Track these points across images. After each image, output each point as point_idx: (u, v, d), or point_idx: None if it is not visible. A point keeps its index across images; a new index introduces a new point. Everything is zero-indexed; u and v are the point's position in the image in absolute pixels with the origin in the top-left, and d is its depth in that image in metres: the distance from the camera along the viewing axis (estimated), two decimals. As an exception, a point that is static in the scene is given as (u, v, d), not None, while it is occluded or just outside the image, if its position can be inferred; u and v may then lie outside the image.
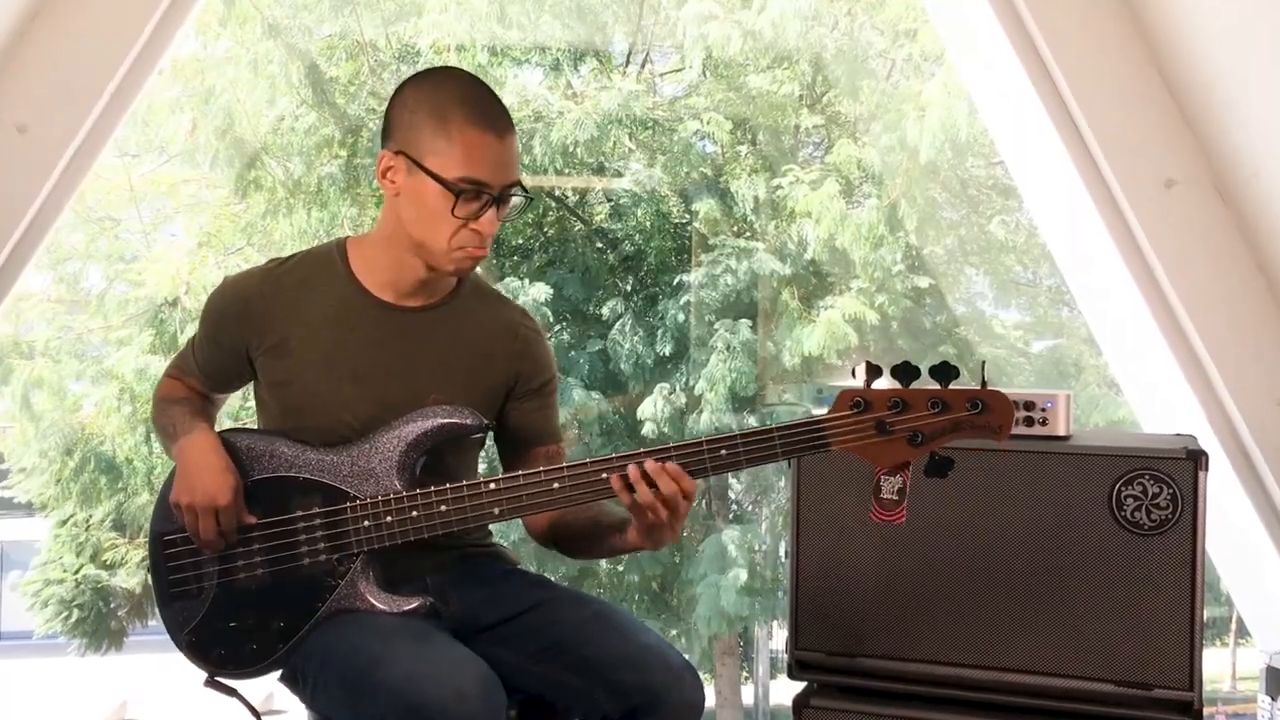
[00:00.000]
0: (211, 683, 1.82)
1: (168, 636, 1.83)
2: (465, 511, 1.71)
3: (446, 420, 1.76)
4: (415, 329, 1.81)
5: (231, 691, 1.83)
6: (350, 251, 1.84)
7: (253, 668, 1.78)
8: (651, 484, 1.64)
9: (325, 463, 1.76)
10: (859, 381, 1.63)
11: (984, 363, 1.67)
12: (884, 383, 1.63)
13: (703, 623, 7.50)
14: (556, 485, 1.69)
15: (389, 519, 1.73)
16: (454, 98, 1.71)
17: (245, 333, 1.81)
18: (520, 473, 1.71)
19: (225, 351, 1.85)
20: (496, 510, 1.71)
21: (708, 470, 1.66)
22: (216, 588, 1.78)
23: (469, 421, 1.77)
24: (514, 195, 1.75)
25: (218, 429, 1.86)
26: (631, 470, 1.64)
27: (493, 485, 1.71)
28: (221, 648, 1.78)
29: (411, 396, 1.78)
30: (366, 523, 1.73)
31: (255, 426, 1.90)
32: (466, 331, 1.85)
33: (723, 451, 1.65)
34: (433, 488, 1.72)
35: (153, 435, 7.56)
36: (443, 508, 1.72)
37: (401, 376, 1.79)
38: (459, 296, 1.86)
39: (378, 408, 1.77)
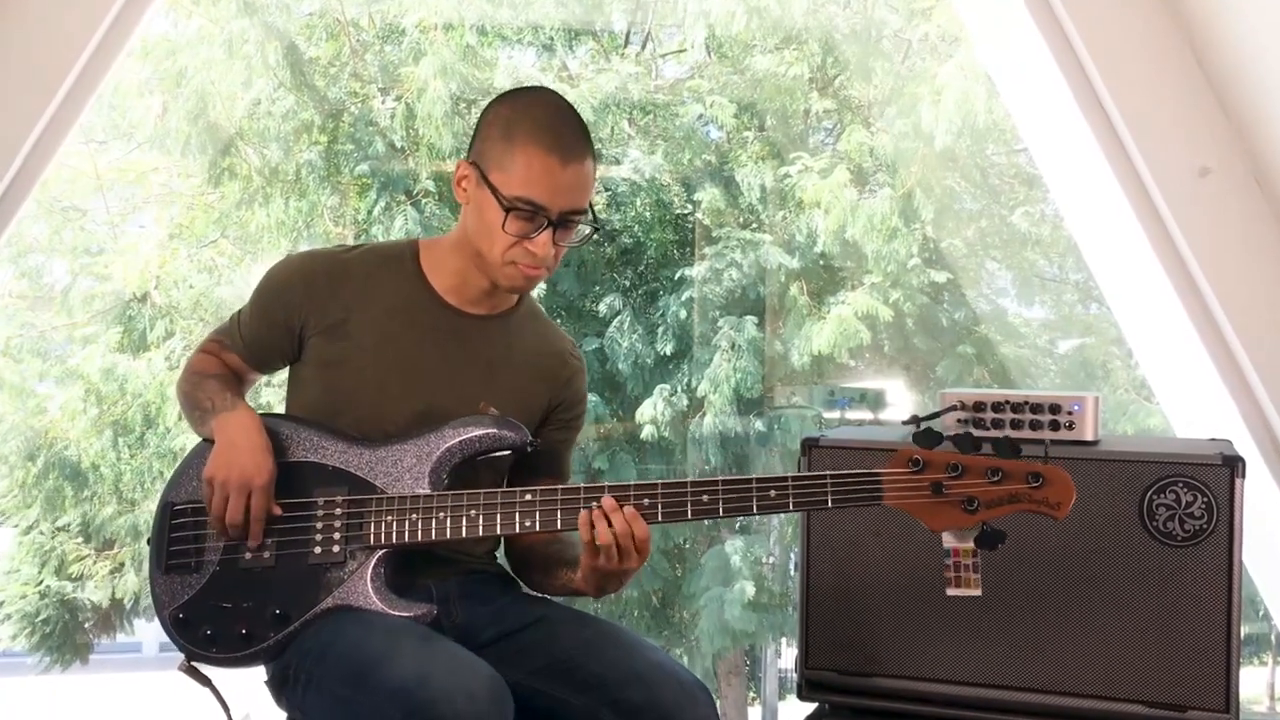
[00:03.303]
0: (188, 668, 1.84)
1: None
2: (495, 520, 1.77)
3: (492, 430, 1.82)
4: (474, 335, 1.90)
5: (206, 680, 1.86)
6: (422, 252, 1.93)
7: (237, 654, 1.79)
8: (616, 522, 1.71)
9: (358, 454, 1.82)
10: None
11: (1047, 441, 1.74)
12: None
13: (706, 639, 7.50)
14: (595, 507, 1.73)
15: (414, 518, 1.78)
16: (528, 116, 1.80)
17: (305, 308, 1.88)
18: (559, 487, 1.78)
19: (277, 326, 1.90)
20: (528, 523, 1.76)
21: (753, 509, 1.74)
22: (217, 565, 1.81)
23: (514, 435, 1.82)
24: (579, 222, 1.83)
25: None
26: (597, 511, 1.72)
27: (528, 497, 1.77)
28: (209, 628, 1.80)
29: (457, 400, 1.85)
30: (390, 518, 1.78)
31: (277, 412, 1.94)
32: (520, 348, 1.94)
33: (771, 493, 1.73)
34: (464, 492, 1.78)
35: (120, 439, 7.58)
36: (472, 513, 1.77)
37: (452, 379, 1.87)
38: (519, 313, 1.97)
39: (422, 405, 1.84)
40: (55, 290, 7.89)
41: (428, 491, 1.79)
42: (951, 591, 1.77)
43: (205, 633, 1.80)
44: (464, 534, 1.77)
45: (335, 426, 1.84)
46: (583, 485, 1.76)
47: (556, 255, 1.83)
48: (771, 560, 7.97)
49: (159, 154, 7.87)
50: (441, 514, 1.77)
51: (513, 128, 1.79)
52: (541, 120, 1.80)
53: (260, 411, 1.88)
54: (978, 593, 1.77)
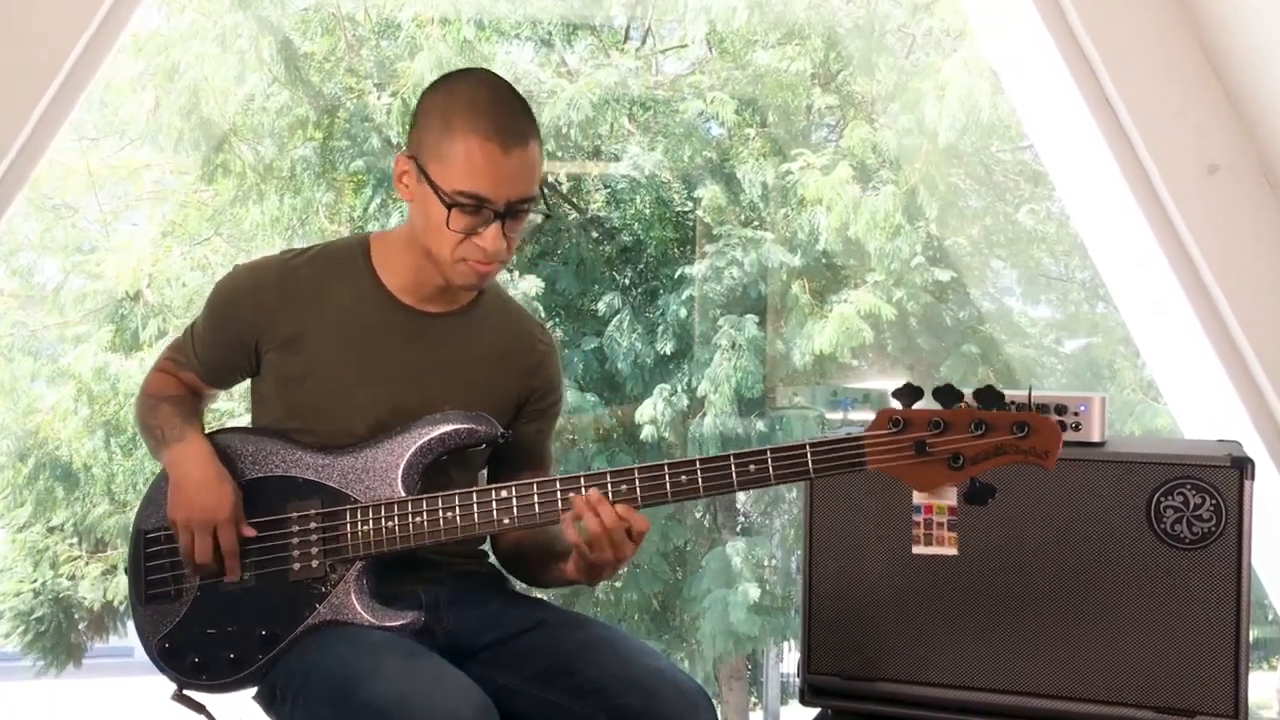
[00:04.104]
0: (180, 696, 1.83)
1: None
2: (472, 519, 1.74)
3: (461, 426, 1.79)
4: (435, 334, 1.85)
5: (200, 708, 1.84)
6: (373, 249, 1.88)
7: (228, 679, 1.78)
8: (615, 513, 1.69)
9: (327, 464, 1.79)
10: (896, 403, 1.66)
11: (1030, 387, 1.70)
12: (924, 405, 1.66)
13: (707, 643, 7.50)
14: (573, 497, 1.72)
15: (390, 524, 1.75)
16: (464, 103, 1.73)
17: (257, 324, 1.83)
18: (534, 480, 1.74)
19: (231, 343, 1.87)
20: (505, 520, 1.74)
21: (733, 486, 1.70)
22: (198, 591, 1.80)
23: (484, 429, 1.80)
24: (528, 210, 1.77)
25: (216, 427, 1.88)
26: (579, 500, 1.69)
27: (504, 493, 1.74)
28: (196, 655, 1.79)
29: (426, 403, 1.81)
30: (366, 527, 1.75)
31: (249, 424, 1.92)
32: (485, 341, 1.89)
33: (751, 467, 1.69)
34: (439, 493, 1.75)
35: (112, 440, 7.57)
36: (449, 514, 1.74)
37: (417, 382, 1.83)
38: (479, 305, 1.91)
39: (389, 412, 1.81)
40: (47, 289, 7.88)
41: (401, 495, 1.76)
42: (919, 550, 1.72)
43: (193, 661, 1.79)
44: (442, 536, 1.74)
45: (302, 438, 1.81)
46: (559, 477, 1.73)
47: (509, 247, 1.76)
48: (774, 562, 7.97)
49: (151, 150, 7.86)
50: (418, 518, 1.75)
51: (450, 115, 1.72)
52: (480, 105, 1.72)
53: (229, 426, 1.86)
54: (953, 551, 1.71)
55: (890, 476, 1.66)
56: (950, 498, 1.68)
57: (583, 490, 1.71)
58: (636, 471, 1.70)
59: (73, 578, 7.93)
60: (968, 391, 1.65)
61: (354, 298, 1.84)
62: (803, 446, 1.67)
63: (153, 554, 1.82)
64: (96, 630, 8.35)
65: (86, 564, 7.91)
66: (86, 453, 7.59)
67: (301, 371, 1.82)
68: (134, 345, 7.58)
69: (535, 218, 1.80)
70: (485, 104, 1.73)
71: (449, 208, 1.71)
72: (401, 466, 1.77)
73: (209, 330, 1.90)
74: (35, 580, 8.00)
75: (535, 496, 1.73)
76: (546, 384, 1.95)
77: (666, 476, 1.70)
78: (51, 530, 7.98)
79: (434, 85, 1.81)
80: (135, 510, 1.87)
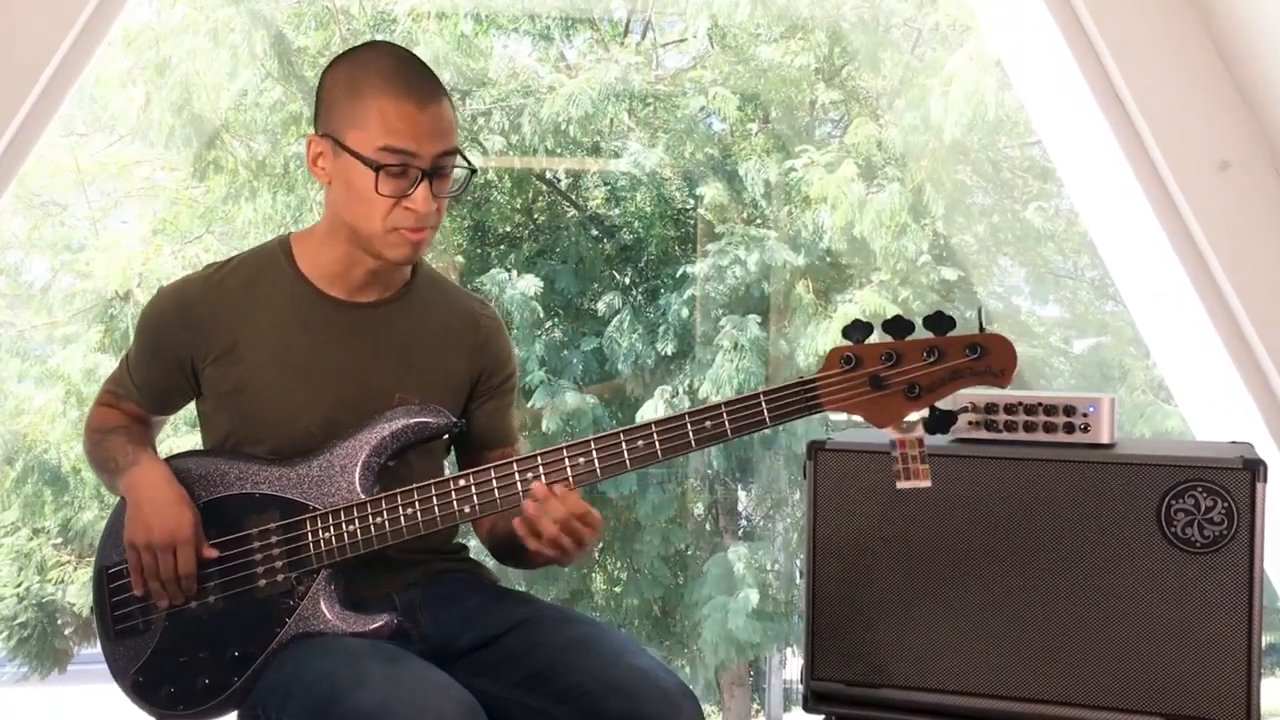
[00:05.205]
0: None
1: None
2: (434, 513, 1.74)
3: (414, 420, 1.79)
4: (371, 326, 1.85)
5: None
6: (295, 248, 1.88)
7: (205, 706, 1.78)
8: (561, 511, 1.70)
9: (283, 475, 1.79)
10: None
11: (980, 307, 1.72)
12: (875, 339, 1.68)
13: (709, 650, 7.50)
14: (531, 477, 1.72)
15: (351, 528, 1.75)
16: (370, 69, 1.75)
17: (189, 343, 1.84)
18: (491, 465, 1.74)
19: (167, 366, 1.87)
20: (466, 509, 1.74)
21: (691, 445, 1.71)
22: (165, 620, 1.79)
23: (436, 420, 1.80)
24: (452, 167, 1.77)
25: (165, 454, 1.88)
26: (534, 505, 1.69)
27: (462, 482, 1.74)
28: (171, 686, 1.78)
29: (371, 398, 1.81)
30: (327, 534, 1.75)
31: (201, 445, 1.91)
32: (425, 325, 1.88)
33: (707, 423, 1.70)
34: (397, 491, 1.75)
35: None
36: (409, 511, 1.74)
37: (359, 377, 1.83)
38: (414, 289, 1.90)
39: (336, 411, 1.80)
40: (34, 288, 7.88)
41: (361, 497, 1.76)
42: (902, 485, 1.71)
43: (169, 692, 1.78)
44: (405, 534, 1.75)
45: (253, 451, 1.81)
46: (515, 459, 1.73)
47: (439, 210, 1.76)
48: (776, 567, 7.97)
49: (142, 147, 7.86)
50: (378, 519, 1.75)
51: (357, 84, 1.74)
52: (386, 70, 1.74)
53: (179, 452, 1.85)
54: (927, 483, 1.71)
55: (849, 414, 1.68)
56: (917, 430, 1.69)
57: (540, 468, 1.71)
58: (593, 442, 1.71)
59: (60, 582, 7.93)
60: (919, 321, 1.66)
61: (282, 300, 1.83)
62: (757, 395, 1.69)
63: (116, 589, 1.82)
64: (83, 636, 8.35)
65: (75, 569, 7.91)
66: (75, 455, 7.59)
67: (240, 383, 1.82)
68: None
69: (460, 175, 1.79)
70: (391, 68, 1.75)
71: (376, 170, 1.71)
72: (357, 468, 1.77)
73: (143, 357, 1.90)
74: (21, 585, 8.00)
75: (494, 482, 1.73)
76: (496, 361, 1.95)
77: (623, 444, 1.72)
78: (37, 533, 7.98)
79: (334, 62, 1.83)
80: (95, 548, 1.87)
